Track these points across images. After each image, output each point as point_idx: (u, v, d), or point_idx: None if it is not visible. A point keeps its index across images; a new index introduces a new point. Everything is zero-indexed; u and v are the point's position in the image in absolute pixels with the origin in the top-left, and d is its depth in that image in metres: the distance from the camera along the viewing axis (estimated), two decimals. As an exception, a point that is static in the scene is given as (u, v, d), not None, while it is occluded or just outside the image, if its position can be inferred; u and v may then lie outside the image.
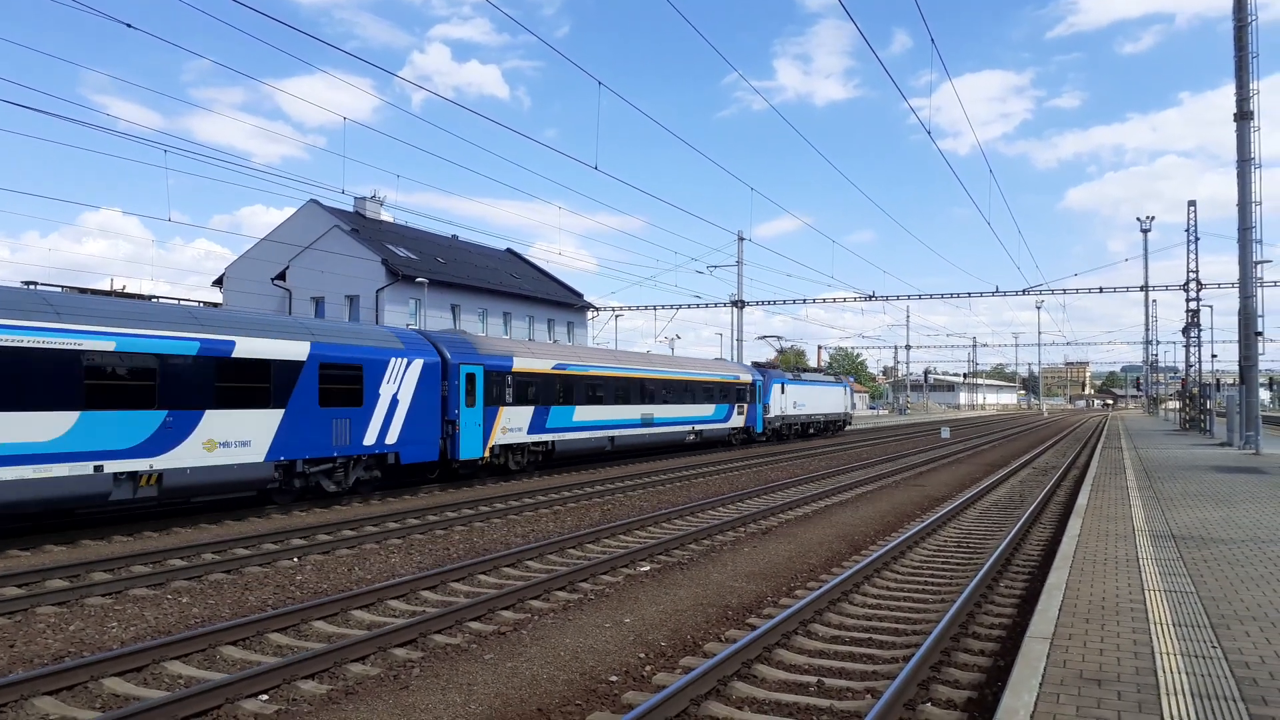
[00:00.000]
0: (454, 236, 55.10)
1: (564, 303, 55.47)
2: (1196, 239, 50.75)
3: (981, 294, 59.53)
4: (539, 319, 52.64)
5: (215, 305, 19.22)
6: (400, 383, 20.38)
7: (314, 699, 7.05)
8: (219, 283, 49.16)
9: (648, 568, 12.27)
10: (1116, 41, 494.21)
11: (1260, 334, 27.45)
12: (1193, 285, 50.75)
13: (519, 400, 24.67)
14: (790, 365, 53.35)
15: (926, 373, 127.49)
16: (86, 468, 14.19)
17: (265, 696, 7.07)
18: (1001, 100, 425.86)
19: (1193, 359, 52.88)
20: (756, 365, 44.66)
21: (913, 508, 19.10)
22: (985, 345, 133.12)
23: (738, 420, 38.52)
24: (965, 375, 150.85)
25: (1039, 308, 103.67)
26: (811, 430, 48.35)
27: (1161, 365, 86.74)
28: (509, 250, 60.27)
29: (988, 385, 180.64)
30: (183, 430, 15.66)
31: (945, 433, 51.65)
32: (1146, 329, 71.70)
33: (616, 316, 61.78)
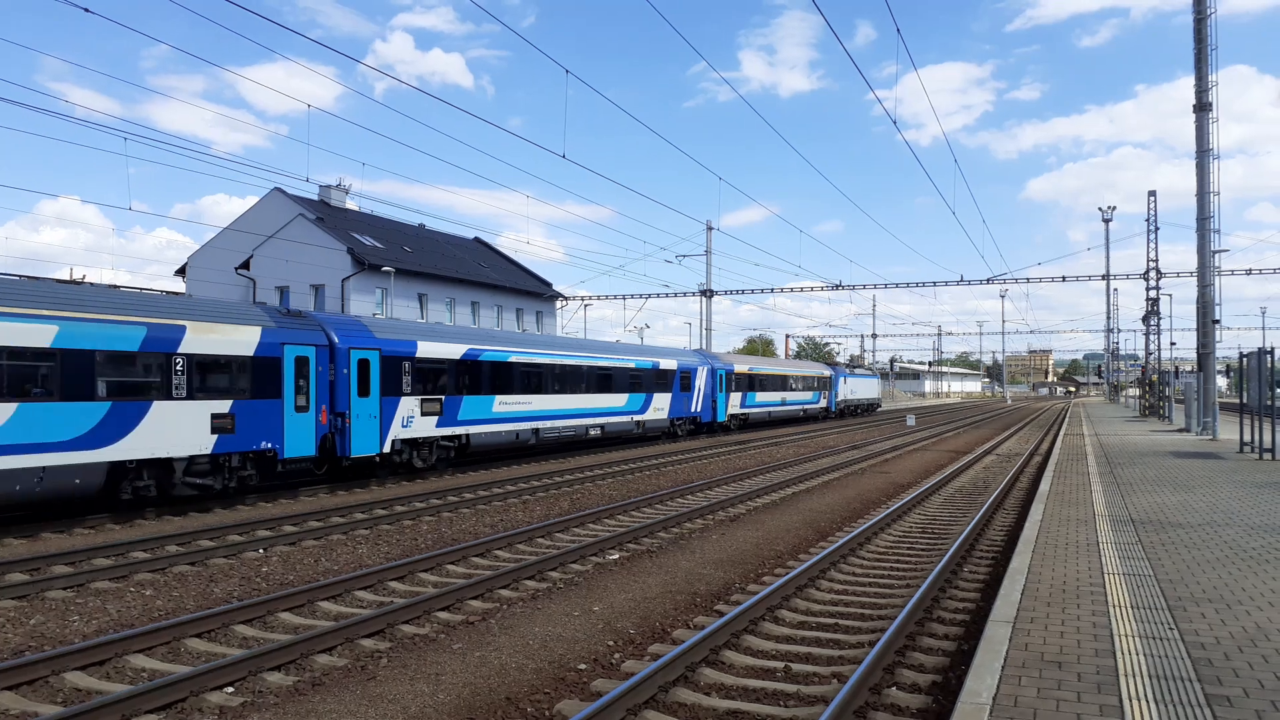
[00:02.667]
0: (421, 225, 54.65)
1: (533, 292, 55.26)
2: (1156, 229, 51.55)
3: (946, 283, 60.24)
4: (508, 308, 52.41)
5: (173, 293, 18.95)
6: (701, 379, 38.65)
7: (280, 690, 7.00)
8: (181, 272, 48.41)
9: (617, 556, 12.30)
10: (1074, 34, 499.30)
11: (1218, 322, 27.94)
12: (1153, 274, 51.55)
13: (737, 389, 42.27)
14: (849, 363, 77.60)
15: (892, 361, 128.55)
16: (630, 419, 32.18)
17: (231, 689, 7.02)
18: (963, 92, 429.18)
19: (1152, 347, 53.78)
20: (828, 363, 66.78)
21: (878, 494, 19.29)
22: (950, 334, 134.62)
23: (822, 403, 56.95)
24: (930, 363, 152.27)
25: (1003, 296, 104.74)
26: (859, 410, 66.08)
27: (1122, 353, 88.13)
28: (477, 239, 59.88)
29: (953, 373, 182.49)
30: (649, 403, 33.54)
31: (911, 420, 52.14)
32: (1108, 317, 72.89)
33: (586, 306, 61.67)
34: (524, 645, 8.18)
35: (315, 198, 47.59)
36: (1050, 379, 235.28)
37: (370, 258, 42.03)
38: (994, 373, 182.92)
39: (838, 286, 60.88)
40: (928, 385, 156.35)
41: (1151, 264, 51.43)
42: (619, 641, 8.39)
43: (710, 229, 57.58)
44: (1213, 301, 27.59)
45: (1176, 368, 59.03)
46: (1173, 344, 76.79)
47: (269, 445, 17.69)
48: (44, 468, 13.97)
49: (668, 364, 35.42)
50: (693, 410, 37.60)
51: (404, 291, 43.92)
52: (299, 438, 18.41)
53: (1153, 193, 51.58)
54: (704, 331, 58.13)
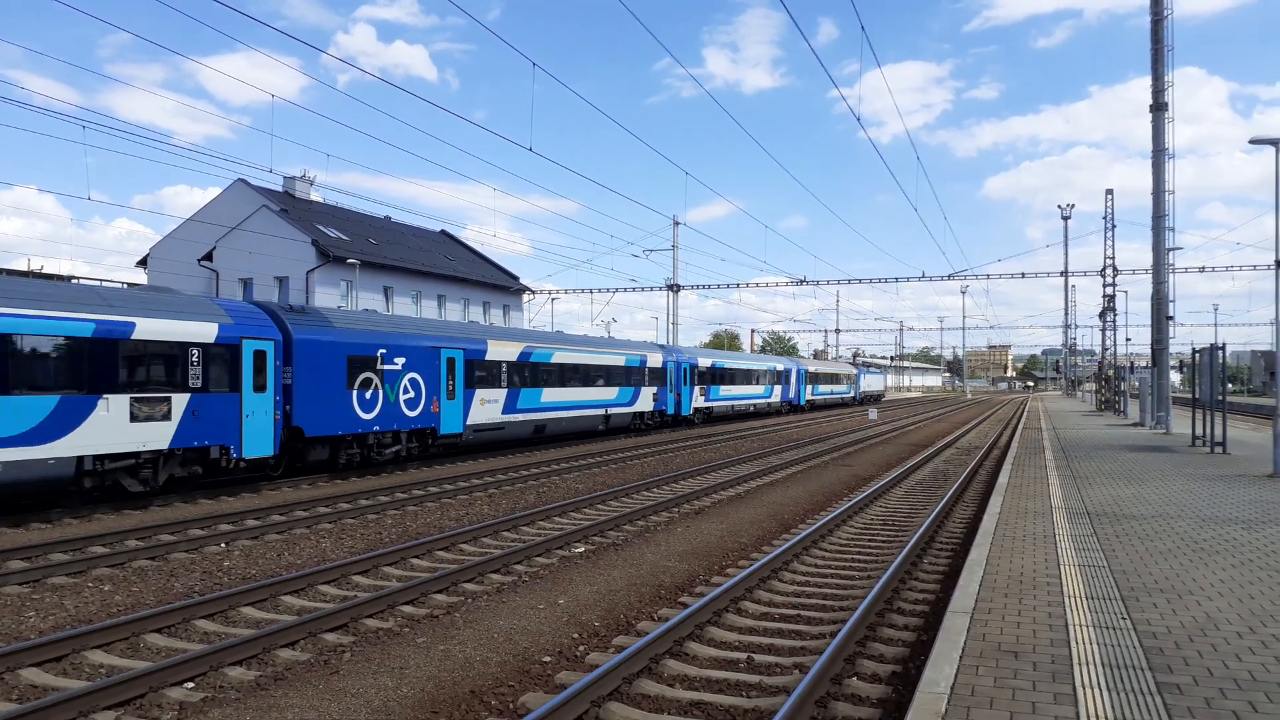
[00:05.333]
0: (386, 217, 54.18)
1: (500, 285, 55.01)
2: (1113, 226, 52.41)
3: (909, 279, 60.87)
4: (474, 301, 52.13)
5: (131, 285, 18.64)
6: (794, 376, 59.00)
7: (242, 685, 6.96)
8: (143, 263, 47.64)
9: (582, 549, 12.33)
10: (1030, 35, 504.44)
11: (1171, 318, 28.50)
12: (1109, 271, 52.40)
13: (809, 383, 62.19)
14: (863, 362, 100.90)
15: (855, 355, 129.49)
16: (766, 401, 53.69)
17: (191, 684, 6.96)
18: (922, 90, 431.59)
19: (1109, 342, 54.70)
20: (850, 364, 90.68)
21: (841, 487, 19.47)
22: (912, 329, 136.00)
23: (851, 393, 77.12)
24: (892, 358, 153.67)
25: (964, 293, 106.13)
26: (871, 398, 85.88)
27: (1080, 348, 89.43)
28: (443, 232, 59.46)
29: (914, 368, 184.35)
30: (773, 391, 55.14)
31: (873, 414, 52.62)
32: (1066, 313, 73.87)
33: (553, 300, 61.57)
34: (488, 638, 8.18)
35: (279, 189, 47.01)
36: (1009, 374, 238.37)
37: (335, 250, 41.61)
38: (954, 368, 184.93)
39: (802, 282, 61.39)
40: (889, 380, 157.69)
41: (1109, 261, 52.29)
42: (583, 634, 8.42)
43: (677, 224, 57.67)
44: (1167, 298, 28.13)
45: (1132, 363, 60.10)
46: (1128, 340, 78.31)
47: (662, 408, 38.45)
48: (624, 414, 34.73)
49: (781, 367, 57.37)
50: (790, 397, 58.47)
51: (369, 284, 43.54)
52: (670, 405, 39.49)
53: (1110, 191, 52.46)
54: (670, 326, 58.26)
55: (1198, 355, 23.31)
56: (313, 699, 6.68)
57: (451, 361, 23.80)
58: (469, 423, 24.62)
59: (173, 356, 16.43)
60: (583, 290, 62.60)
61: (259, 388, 17.97)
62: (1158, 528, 10.80)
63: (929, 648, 6.46)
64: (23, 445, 14.02)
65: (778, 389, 55.14)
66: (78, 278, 16.67)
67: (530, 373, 27.81)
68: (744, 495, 17.90)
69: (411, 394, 22.19)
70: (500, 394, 26.22)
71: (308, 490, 18.27)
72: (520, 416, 27.27)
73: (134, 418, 15.62)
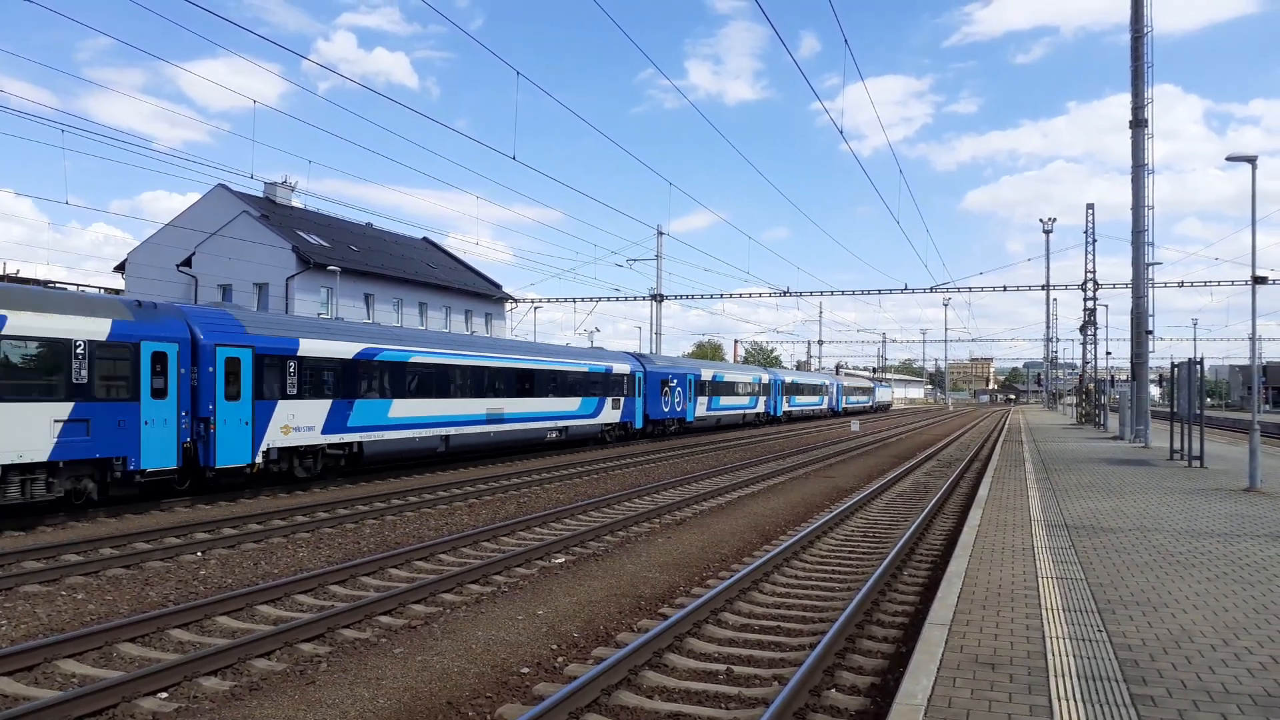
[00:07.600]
0: (368, 224, 54.00)
1: (482, 293, 54.91)
2: (1094, 240, 52.87)
3: (891, 291, 61.08)
4: (456, 310, 52.00)
5: (112, 292, 18.56)
6: (834, 388, 79.35)
7: (216, 695, 6.89)
8: (120, 268, 47.29)
9: (562, 559, 12.29)
10: (1009, 51, 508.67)
11: (1151, 333, 28.76)
12: (1090, 285, 52.81)
13: (840, 394, 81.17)
14: (878, 376, 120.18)
15: (838, 367, 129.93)
16: (815, 408, 70.84)
17: (165, 694, 6.89)
18: (903, 104, 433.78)
19: (1089, 356, 55.10)
20: (870, 379, 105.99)
21: (822, 498, 19.51)
22: (894, 341, 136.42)
23: (869, 402, 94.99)
24: (875, 370, 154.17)
25: (946, 305, 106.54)
26: (882, 408, 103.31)
27: (1061, 362, 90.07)
28: (425, 239, 59.35)
29: (896, 380, 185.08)
30: (823, 401, 73.12)
31: (855, 425, 52.79)
32: (1047, 327, 74.38)
33: (536, 308, 61.53)
34: (466, 649, 8.14)
35: (260, 195, 46.78)
36: (991, 386, 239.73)
37: (316, 256, 41.43)
38: (936, 380, 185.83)
39: (786, 293, 61.56)
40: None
41: (1089, 275, 52.71)
42: (562, 645, 8.39)
43: (660, 234, 57.74)
44: (1146, 313, 28.40)
45: (1112, 376, 60.60)
46: (1109, 353, 78.76)
47: (768, 410, 56.93)
48: (752, 414, 53.96)
49: (828, 382, 75.32)
50: (832, 405, 75.25)
51: (350, 291, 43.36)
52: (771, 409, 57.49)
53: (1090, 206, 52.94)
54: (654, 336, 58.26)
55: (1176, 369, 23.52)
56: (288, 709, 6.62)
57: (690, 381, 42.83)
58: (695, 415, 43.66)
59: (618, 381, 35.32)
60: (566, 299, 62.65)
61: (639, 394, 37.25)
62: (1135, 541, 10.87)
63: (907, 659, 6.47)
64: (590, 419, 32.93)
65: (825, 398, 72.89)
66: (54, 283, 16.55)
67: (714, 387, 46.85)
68: (725, 506, 17.89)
69: (678, 399, 41.36)
70: (706, 399, 45.11)
71: (286, 499, 18.15)
72: (712, 413, 46.36)
73: (611, 407, 34.53)
